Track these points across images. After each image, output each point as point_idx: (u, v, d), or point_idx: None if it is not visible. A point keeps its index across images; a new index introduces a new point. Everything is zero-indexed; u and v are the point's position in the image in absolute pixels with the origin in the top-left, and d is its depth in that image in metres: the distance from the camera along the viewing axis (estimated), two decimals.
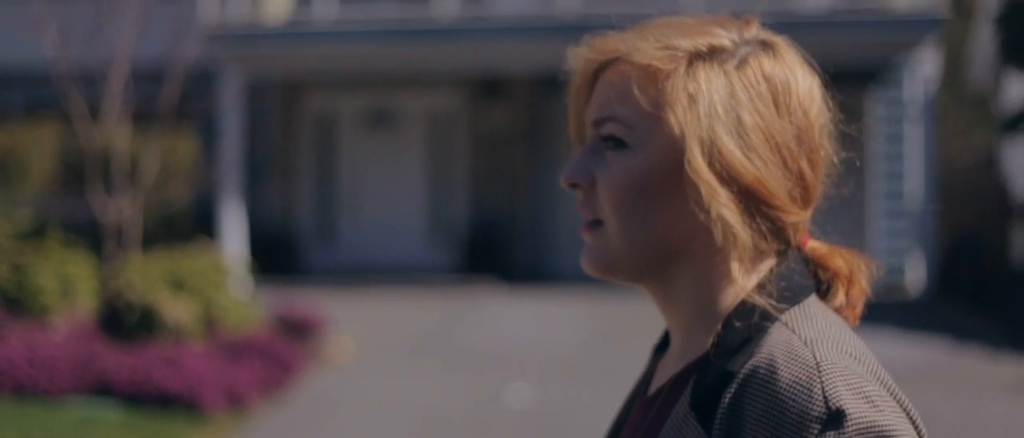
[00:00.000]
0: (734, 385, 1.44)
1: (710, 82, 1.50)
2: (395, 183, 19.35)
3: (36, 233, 16.43)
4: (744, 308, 1.51)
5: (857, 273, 1.61)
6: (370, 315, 14.84)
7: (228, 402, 10.34)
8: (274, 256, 18.06)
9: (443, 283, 17.36)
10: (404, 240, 19.19)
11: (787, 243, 1.55)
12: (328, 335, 13.04)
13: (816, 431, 1.37)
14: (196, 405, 10.17)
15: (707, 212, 1.47)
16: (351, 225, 19.49)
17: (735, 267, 1.51)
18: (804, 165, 1.53)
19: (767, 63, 1.54)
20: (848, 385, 1.40)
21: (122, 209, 13.19)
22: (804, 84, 1.55)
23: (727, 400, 1.43)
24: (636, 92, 1.51)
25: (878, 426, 1.38)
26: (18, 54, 19.25)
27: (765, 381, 1.41)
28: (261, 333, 11.97)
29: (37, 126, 17.13)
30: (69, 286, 12.49)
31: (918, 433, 1.44)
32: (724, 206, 1.47)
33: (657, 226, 1.52)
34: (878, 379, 1.45)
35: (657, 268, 1.56)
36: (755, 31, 1.58)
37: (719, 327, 1.51)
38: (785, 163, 1.51)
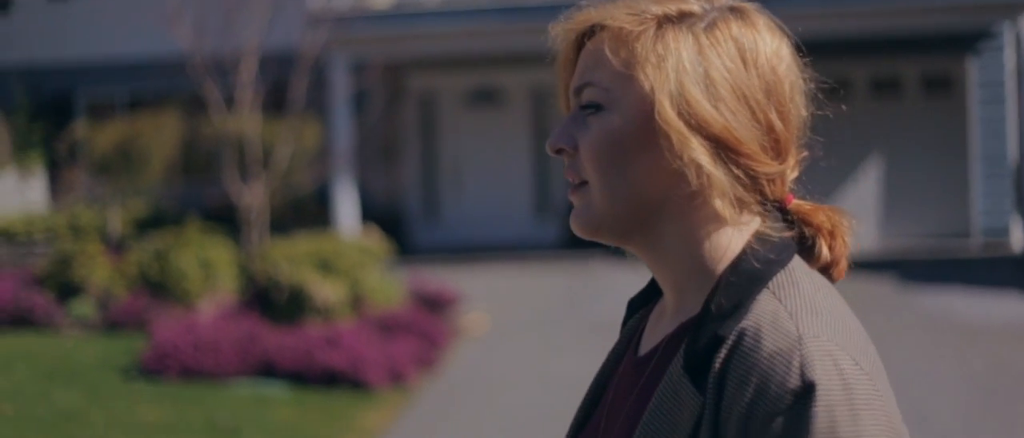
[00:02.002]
0: (723, 350, 1.50)
1: (678, 42, 1.56)
2: (499, 161, 19.55)
3: (158, 220, 16.76)
4: (735, 270, 1.56)
5: (839, 228, 1.66)
6: (491, 290, 15.05)
7: (390, 378, 10.58)
8: (382, 236, 18.28)
9: (552, 258, 17.55)
10: (509, 217, 19.39)
11: (764, 196, 1.60)
12: (462, 310, 13.28)
13: (789, 401, 1.43)
14: (361, 382, 10.42)
15: (680, 159, 1.53)
16: (455, 203, 19.71)
17: (719, 205, 1.56)
18: (773, 117, 1.58)
19: (735, 26, 1.59)
20: (824, 359, 1.45)
21: (256, 195, 13.46)
22: (772, 44, 1.60)
23: (717, 364, 1.50)
24: (609, 54, 1.58)
25: (848, 401, 1.44)
26: (135, 45, 19.56)
27: (750, 349, 1.48)
28: (404, 311, 12.22)
29: (158, 115, 17.44)
30: (210, 270, 12.78)
31: (887, 408, 1.48)
32: (696, 150, 1.53)
33: (636, 181, 1.58)
34: (857, 352, 1.50)
35: (642, 224, 1.61)
36: None
37: (711, 288, 1.57)
38: (754, 113, 1.56)
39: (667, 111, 1.53)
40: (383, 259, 13.09)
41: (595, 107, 1.60)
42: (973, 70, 18.56)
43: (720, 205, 1.56)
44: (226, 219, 15.05)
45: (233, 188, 13.51)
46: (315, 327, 11.55)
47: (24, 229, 17.36)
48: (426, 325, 11.88)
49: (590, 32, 1.64)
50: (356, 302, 12.10)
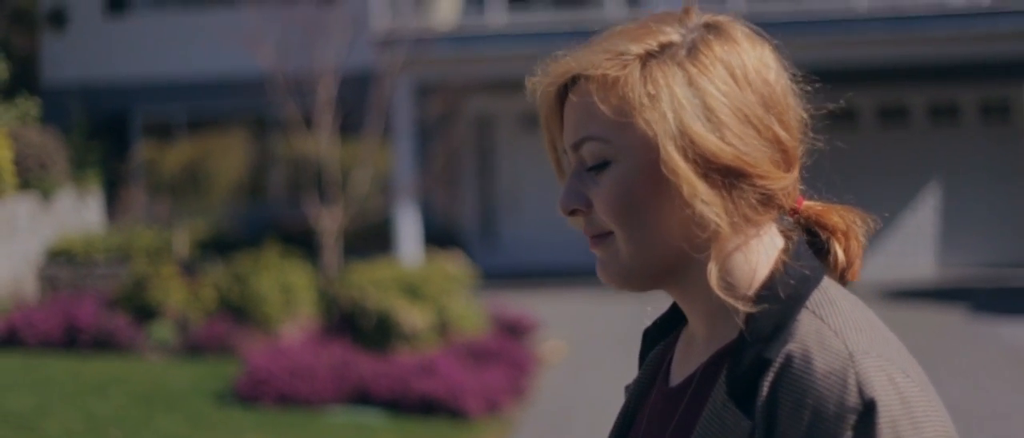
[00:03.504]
0: (771, 373, 1.48)
1: (667, 77, 1.52)
2: (557, 184, 19.53)
3: (221, 243, 16.74)
4: (770, 291, 1.53)
5: (853, 228, 1.63)
6: (560, 316, 15.01)
7: (486, 407, 10.55)
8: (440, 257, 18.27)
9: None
10: (568, 241, 19.34)
11: (779, 208, 1.58)
12: (540, 337, 13.25)
13: (853, 421, 1.42)
14: (459, 411, 10.38)
15: (692, 208, 1.51)
16: (513, 227, 19.71)
17: (738, 241, 1.54)
18: (778, 129, 1.55)
19: (717, 45, 1.55)
20: (880, 375, 1.44)
21: (335, 218, 13.44)
22: (755, 54, 1.56)
23: (766, 388, 1.47)
24: (600, 105, 1.53)
25: (908, 415, 1.43)
26: (193, 64, 19.57)
27: (802, 371, 1.45)
28: (490, 338, 12.19)
29: (224, 136, 17.43)
30: (290, 295, 12.75)
31: (944, 418, 1.47)
32: (704, 202, 1.50)
33: (658, 229, 1.54)
34: (905, 365, 1.48)
35: (671, 268, 1.58)
36: (696, 18, 1.59)
37: (746, 310, 1.53)
38: (759, 132, 1.53)
39: (673, 158, 1.50)
40: (468, 285, 13.05)
41: (602, 165, 1.55)
42: None
43: (740, 240, 1.55)
44: (299, 242, 15.03)
45: (311, 211, 13.48)
46: (405, 354, 11.52)
47: (83, 249, 17.32)
48: (513, 352, 11.86)
49: (571, 82, 1.59)
50: (442, 328, 12.07)
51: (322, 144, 13.53)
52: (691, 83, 1.52)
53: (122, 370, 11.68)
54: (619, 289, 1.61)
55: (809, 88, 1.60)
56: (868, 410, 1.42)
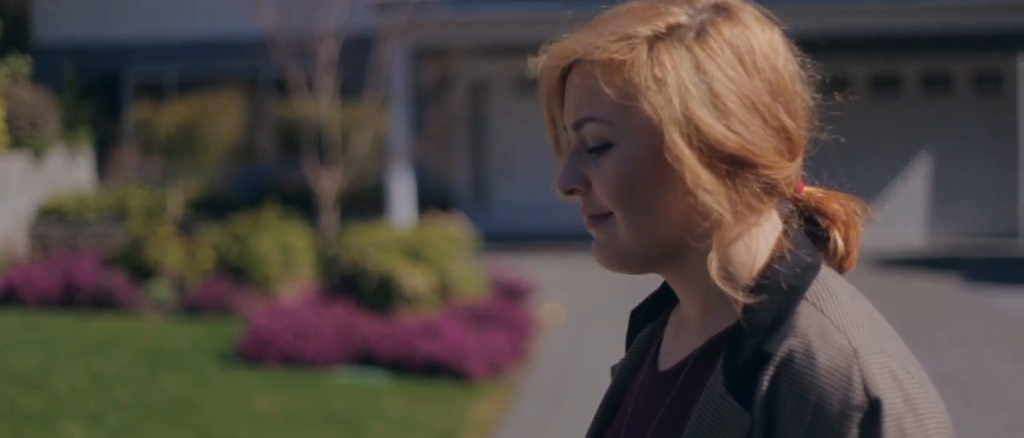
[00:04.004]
0: (771, 367, 1.45)
1: (674, 61, 1.49)
2: (547, 149, 19.53)
3: (214, 203, 16.71)
4: (769, 280, 1.51)
5: (853, 217, 1.60)
6: (554, 279, 15.04)
7: (489, 370, 10.58)
8: (432, 220, 18.28)
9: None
10: (559, 205, 19.32)
11: (781, 196, 1.56)
12: (538, 299, 13.28)
13: (858, 420, 1.40)
14: (463, 373, 10.41)
15: (694, 197, 1.48)
16: (505, 191, 19.72)
17: (739, 230, 1.52)
18: (784, 117, 1.51)
19: (725, 28, 1.51)
20: (884, 372, 1.42)
21: (334, 180, 13.43)
22: (764, 38, 1.53)
23: (766, 383, 1.45)
24: (605, 88, 1.50)
25: (913, 413, 1.41)
26: (185, 24, 19.50)
27: (804, 367, 1.43)
28: (490, 301, 12.22)
29: (219, 96, 17.37)
30: (289, 256, 12.75)
31: (944, 415, 1.46)
32: (707, 191, 1.47)
33: (661, 213, 1.51)
34: (906, 361, 1.47)
35: (670, 253, 1.55)
36: None
37: (745, 300, 1.50)
38: (765, 121, 1.50)
39: (677, 144, 1.47)
40: (469, 248, 13.07)
41: (604, 146, 1.52)
42: None
43: (741, 228, 1.52)
44: (295, 203, 15.02)
45: (310, 173, 13.47)
46: (406, 316, 11.54)
47: (75, 208, 17.28)
48: (512, 315, 11.89)
49: (575, 61, 1.55)
50: (442, 291, 12.09)
51: (322, 106, 13.51)
52: (699, 68, 1.49)
53: (123, 329, 11.68)
54: (614, 271, 1.57)
55: (807, 61, 1.57)
56: (873, 409, 1.40)
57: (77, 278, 12.57)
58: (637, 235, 1.53)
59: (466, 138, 19.90)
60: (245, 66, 19.26)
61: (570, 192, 1.58)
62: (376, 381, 10.36)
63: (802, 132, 1.55)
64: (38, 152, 17.75)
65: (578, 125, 1.55)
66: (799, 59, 1.56)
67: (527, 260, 16.45)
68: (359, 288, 11.95)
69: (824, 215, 1.60)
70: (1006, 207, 18.89)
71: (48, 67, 19.56)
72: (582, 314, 13.33)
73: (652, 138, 1.49)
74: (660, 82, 1.48)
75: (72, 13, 20.09)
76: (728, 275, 1.52)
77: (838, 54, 16.43)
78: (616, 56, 1.50)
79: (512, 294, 12.91)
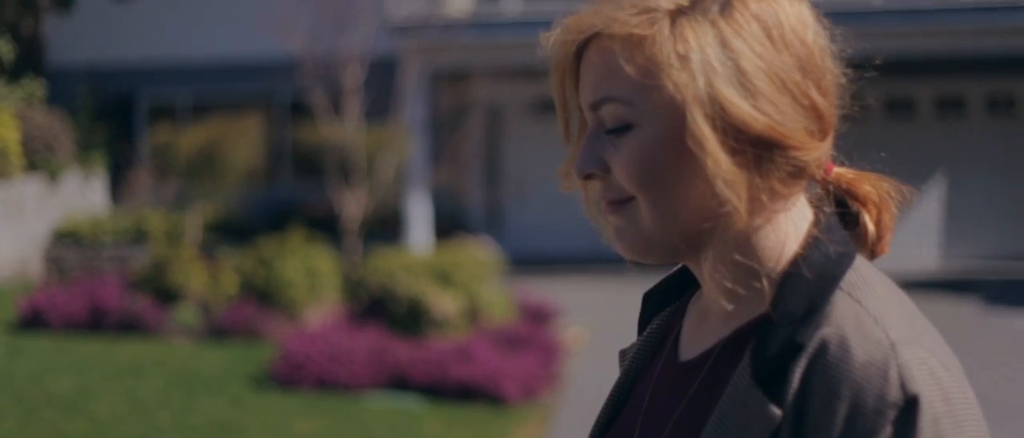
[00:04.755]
0: (803, 359, 1.37)
1: (698, 37, 1.39)
2: None
3: (231, 226, 16.70)
4: (801, 268, 1.43)
5: (886, 199, 1.53)
6: (573, 302, 15.04)
7: (524, 393, 10.57)
8: (446, 244, 18.29)
9: (621, 270, 17.54)
10: (574, 229, 19.39)
11: (811, 178, 1.47)
12: (563, 323, 13.28)
13: (892, 417, 1.32)
14: (498, 397, 10.39)
15: (715, 185, 1.39)
16: (519, 215, 19.72)
17: (764, 217, 1.44)
18: (815, 95, 1.42)
19: (751, 0, 1.42)
20: (922, 368, 1.35)
21: (359, 204, 13.43)
22: (793, 11, 1.44)
23: (797, 375, 1.36)
24: (624, 65, 1.41)
25: (950, 413, 1.34)
26: (199, 48, 19.50)
27: (838, 359, 1.35)
28: (519, 325, 12.21)
29: (238, 120, 17.38)
30: (315, 280, 12.74)
31: (979, 415, 1.39)
32: (727, 182, 1.38)
33: (686, 197, 1.42)
34: (944, 357, 1.39)
35: (695, 240, 1.46)
36: None
37: (772, 288, 1.44)
38: (795, 99, 1.41)
39: (700, 127, 1.37)
40: (496, 272, 13.07)
41: (623, 128, 1.43)
42: None
43: (762, 218, 1.44)
44: (317, 227, 15.02)
45: (334, 196, 13.46)
46: (436, 340, 11.53)
47: (90, 231, 17.27)
48: (541, 339, 11.88)
49: (591, 36, 1.46)
50: (471, 315, 12.08)
51: (348, 130, 13.51)
52: (724, 43, 1.39)
53: (152, 353, 11.65)
54: (636, 259, 1.48)
55: (837, 34, 1.47)
56: (910, 406, 1.32)
57: (103, 302, 12.55)
58: (661, 221, 1.44)
59: (481, 162, 19.92)
60: (259, 89, 19.29)
61: (588, 176, 1.49)
62: (411, 405, 10.33)
63: (833, 110, 1.46)
64: (53, 175, 17.74)
65: (596, 105, 1.46)
66: (828, 33, 1.47)
67: (543, 284, 16.44)
68: (388, 312, 11.93)
69: (855, 197, 1.52)
70: (1020, 229, 18.94)
71: (62, 90, 19.58)
72: (605, 337, 13.31)
73: (675, 119, 1.40)
74: (683, 59, 1.39)
75: (86, 36, 20.11)
76: (757, 261, 1.45)
77: (851, 77, 16.38)
78: (636, 31, 1.41)
79: (538, 317, 12.90)
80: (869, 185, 1.52)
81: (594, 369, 11.90)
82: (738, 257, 1.45)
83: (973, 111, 19.44)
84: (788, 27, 1.42)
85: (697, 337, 1.56)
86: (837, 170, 1.52)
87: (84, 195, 18.75)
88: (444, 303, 11.76)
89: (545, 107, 19.76)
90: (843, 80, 1.47)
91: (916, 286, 16.29)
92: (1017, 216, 18.98)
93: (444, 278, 12.00)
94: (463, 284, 12.02)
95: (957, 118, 19.42)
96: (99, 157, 18.98)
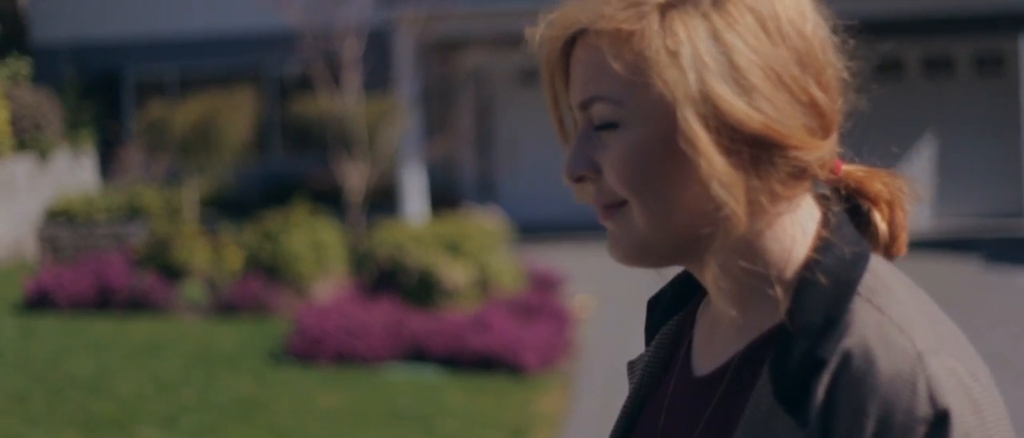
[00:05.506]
0: (825, 374, 1.30)
1: (689, 31, 1.32)
2: (555, 139, 19.54)
3: (225, 201, 16.63)
4: (813, 274, 1.35)
5: (899, 197, 1.45)
6: (574, 269, 15.06)
7: (542, 362, 10.58)
8: (439, 214, 18.28)
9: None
10: (566, 196, 19.38)
11: (814, 178, 1.39)
12: (570, 291, 13.30)
13: (922, 433, 1.26)
14: (518, 367, 10.39)
15: (709, 186, 1.32)
16: (510, 182, 19.72)
17: (765, 221, 1.37)
18: (814, 91, 1.35)
19: None
20: (952, 380, 1.28)
21: (362, 176, 13.40)
22: (791, 2, 1.37)
23: (821, 392, 1.29)
24: (612, 63, 1.34)
25: (982, 427, 1.28)
26: (185, 23, 19.38)
27: (862, 372, 1.28)
28: (529, 294, 12.21)
29: (220, 94, 17.29)
30: (322, 253, 12.71)
31: (1009, 426, 1.33)
32: (722, 184, 1.31)
33: (681, 199, 1.35)
34: (973, 365, 1.33)
35: (692, 244, 1.38)
36: None
37: (786, 296, 1.36)
38: (793, 95, 1.33)
39: (691, 127, 1.30)
40: (506, 241, 13.07)
41: (610, 126, 1.36)
42: None
43: (763, 222, 1.37)
44: (314, 200, 14.98)
45: (338, 169, 13.42)
46: (448, 310, 11.53)
47: (84, 210, 17.16)
48: (552, 307, 11.89)
49: (579, 33, 1.39)
50: (482, 285, 12.08)
51: (348, 103, 13.46)
52: (716, 37, 1.32)
53: (164, 330, 11.61)
54: (631, 265, 1.42)
55: (839, 25, 1.40)
56: (940, 421, 1.26)
57: (110, 281, 12.48)
58: (655, 225, 1.37)
59: (472, 130, 19.89)
60: (247, 63, 19.18)
61: (579, 179, 1.42)
62: (430, 377, 10.33)
63: (836, 106, 1.38)
64: (44, 154, 17.62)
65: (585, 105, 1.39)
66: (830, 24, 1.39)
67: (539, 251, 16.46)
68: (399, 284, 11.92)
69: (865, 196, 1.45)
70: (1010, 187, 19.09)
71: (48, 68, 19.43)
72: (612, 303, 13.34)
73: (666, 118, 1.33)
74: (673, 55, 1.31)
75: (70, 12, 19.96)
76: (764, 267, 1.38)
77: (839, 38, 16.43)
78: (624, 26, 1.34)
79: (545, 286, 12.91)
80: (880, 183, 1.45)
81: (607, 336, 11.92)
82: (743, 263, 1.38)
83: (961, 71, 19.56)
84: (785, 19, 1.35)
85: (710, 350, 1.48)
86: (846, 168, 1.44)
87: (74, 173, 18.63)
88: (455, 274, 11.75)
89: (535, 75, 19.72)
90: (846, 75, 1.40)
91: (912, 246, 16.39)
92: (1006, 174, 19.12)
93: (453, 248, 11.99)
94: (472, 254, 12.02)
95: (945, 78, 19.53)
96: (87, 135, 18.86)
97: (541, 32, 1.41)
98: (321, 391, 9.66)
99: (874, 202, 1.44)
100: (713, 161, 1.30)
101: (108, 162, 18.98)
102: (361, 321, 10.80)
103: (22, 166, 17.17)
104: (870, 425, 1.26)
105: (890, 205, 1.45)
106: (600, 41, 1.36)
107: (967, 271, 14.79)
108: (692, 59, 1.31)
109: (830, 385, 1.29)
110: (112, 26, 19.89)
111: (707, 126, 1.30)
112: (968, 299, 13.10)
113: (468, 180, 19.81)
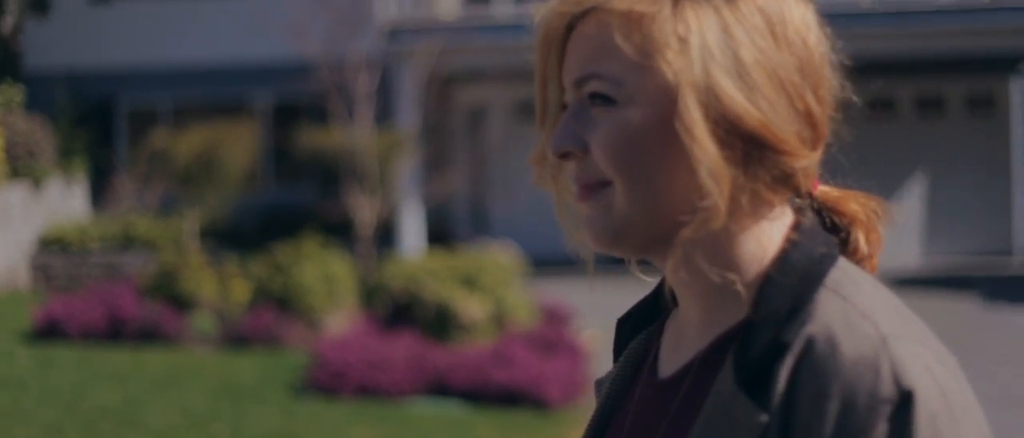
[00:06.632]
0: (789, 358, 1.30)
1: (700, 21, 1.33)
2: None
3: (223, 231, 16.55)
4: (783, 268, 1.35)
5: (874, 218, 1.45)
6: (580, 304, 15.06)
7: (564, 396, 10.58)
8: (434, 249, 18.26)
9: (615, 271, 17.60)
10: (558, 230, 19.42)
11: (796, 190, 1.39)
12: (578, 325, 13.31)
13: (887, 413, 1.25)
14: (542, 401, 10.39)
15: (699, 174, 1.32)
16: (505, 216, 19.72)
17: (744, 221, 1.37)
18: (811, 100, 1.36)
19: None
20: (917, 362, 1.28)
21: (372, 208, 13.39)
22: (798, 11, 1.38)
23: (784, 376, 1.29)
24: (620, 42, 1.35)
25: (947, 409, 1.27)
26: (178, 52, 19.33)
27: (825, 355, 1.28)
28: (544, 327, 12.21)
29: (233, 125, 17.24)
30: (332, 285, 12.67)
31: (978, 410, 1.33)
32: (711, 173, 1.32)
33: (667, 187, 1.36)
34: (939, 352, 1.32)
35: (668, 236, 1.37)
36: None
37: (754, 291, 1.36)
38: (791, 101, 1.35)
39: (691, 112, 1.31)
40: (520, 275, 13.07)
41: (604, 99, 1.37)
42: (1015, 91, 19.00)
43: (748, 220, 1.37)
44: (329, 232, 14.95)
45: (350, 202, 13.41)
46: (467, 344, 11.51)
47: (77, 238, 17.04)
48: (566, 341, 11.90)
49: (584, 11, 1.39)
50: (498, 319, 12.07)
51: (357, 135, 13.46)
52: (726, 31, 1.33)
53: (180, 362, 11.54)
54: (606, 250, 1.40)
55: (838, 45, 1.41)
56: (905, 401, 1.25)
57: (120, 311, 12.39)
58: (636, 207, 1.37)
59: (465, 163, 19.90)
60: (239, 93, 19.15)
61: (564, 156, 1.40)
62: (455, 411, 10.32)
63: (826, 121, 1.39)
64: (37, 181, 17.50)
65: (581, 82, 1.39)
66: (829, 43, 1.40)
67: (537, 286, 16.46)
68: (415, 317, 11.89)
69: (842, 215, 1.44)
70: (1000, 226, 19.26)
71: (40, 95, 19.33)
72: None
73: (665, 103, 1.33)
74: (683, 41, 1.33)
75: (64, 41, 19.86)
76: (735, 265, 1.37)
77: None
78: (638, 7, 1.35)
79: (556, 320, 12.92)
80: (856, 204, 1.45)
81: None
82: (711, 262, 1.38)
83: (952, 110, 19.75)
84: (792, 26, 1.37)
85: (676, 353, 1.47)
86: (822, 188, 1.45)
87: (66, 201, 18.50)
88: (472, 308, 11.74)
89: (530, 109, 19.75)
90: (839, 93, 1.41)
91: (907, 283, 16.50)
92: (995, 213, 19.30)
93: (469, 282, 11.98)
94: (488, 288, 12.01)
95: (937, 117, 19.72)
96: (80, 163, 18.74)
97: (550, 6, 1.41)
98: (349, 425, 9.62)
99: (853, 221, 1.44)
100: (706, 148, 1.31)
101: (100, 190, 18.85)
102: (383, 354, 10.77)
103: (17, 194, 17.04)
104: (832, 408, 1.26)
105: (865, 226, 1.44)
106: (611, 20, 1.36)
107: (965, 310, 14.90)
108: (700, 48, 1.32)
109: (793, 369, 1.29)
110: (105, 55, 19.81)
111: (706, 115, 1.31)
112: (972, 338, 13.19)
113: (462, 215, 19.81)
